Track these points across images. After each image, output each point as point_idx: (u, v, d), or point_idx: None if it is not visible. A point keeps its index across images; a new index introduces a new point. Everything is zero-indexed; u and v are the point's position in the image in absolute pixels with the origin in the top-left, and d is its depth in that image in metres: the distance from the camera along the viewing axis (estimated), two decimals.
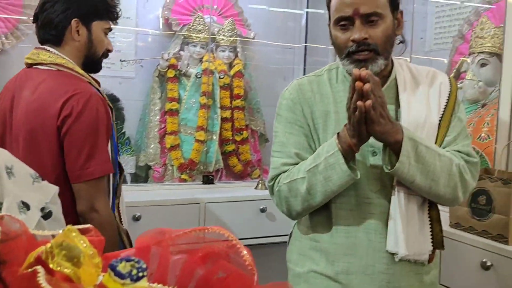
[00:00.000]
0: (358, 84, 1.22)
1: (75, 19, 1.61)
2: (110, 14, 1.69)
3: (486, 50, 2.48)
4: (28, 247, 0.66)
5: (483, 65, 2.49)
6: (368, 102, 1.21)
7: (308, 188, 1.37)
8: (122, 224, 1.69)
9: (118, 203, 1.68)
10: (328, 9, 1.46)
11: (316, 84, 1.51)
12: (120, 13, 1.73)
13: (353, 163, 1.35)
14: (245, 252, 0.70)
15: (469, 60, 2.58)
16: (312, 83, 1.51)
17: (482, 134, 2.36)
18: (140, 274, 0.54)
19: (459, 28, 2.83)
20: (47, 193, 1.09)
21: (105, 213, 1.55)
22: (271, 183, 1.50)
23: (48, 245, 0.61)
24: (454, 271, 1.94)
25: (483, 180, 1.90)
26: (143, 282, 0.55)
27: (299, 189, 1.39)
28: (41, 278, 0.55)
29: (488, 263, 1.80)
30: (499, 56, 2.39)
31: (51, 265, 0.57)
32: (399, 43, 1.55)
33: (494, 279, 1.80)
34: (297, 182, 1.39)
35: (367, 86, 1.21)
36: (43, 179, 1.09)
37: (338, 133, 1.34)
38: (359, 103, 1.22)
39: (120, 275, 0.53)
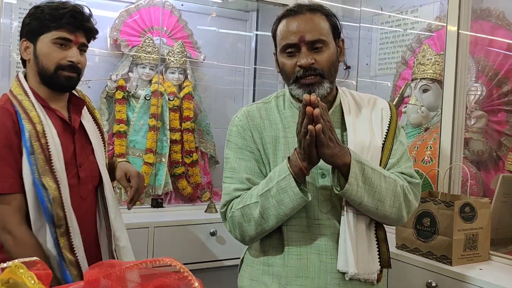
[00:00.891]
0: (309, 109, 1.26)
1: (22, 39, 1.67)
2: (53, 22, 1.62)
3: (428, 76, 2.59)
4: None
5: (425, 90, 2.60)
6: (318, 126, 1.26)
7: (262, 212, 1.39)
8: (76, 254, 1.58)
9: (66, 231, 1.57)
10: (274, 38, 1.55)
11: (265, 110, 1.56)
12: (71, 16, 1.63)
13: (304, 185, 1.38)
14: (196, 284, 0.70)
15: (412, 85, 2.68)
16: (260, 110, 1.56)
17: (425, 157, 2.44)
18: None
19: (402, 55, 2.94)
20: None
21: (19, 234, 1.51)
22: (224, 209, 1.50)
23: None
24: None
25: (428, 202, 1.96)
26: None
27: (253, 214, 1.40)
28: None
29: (433, 284, 1.84)
30: (440, 82, 2.49)
31: None
32: (345, 69, 1.61)
33: None
34: (250, 207, 1.41)
35: (317, 111, 1.25)
36: None
37: (288, 157, 1.37)
38: (310, 127, 1.26)
39: None
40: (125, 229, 1.77)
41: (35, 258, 0.70)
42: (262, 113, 1.55)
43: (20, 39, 1.68)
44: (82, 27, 1.67)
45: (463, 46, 2.19)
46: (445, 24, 2.25)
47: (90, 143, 1.75)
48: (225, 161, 1.55)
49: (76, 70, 1.68)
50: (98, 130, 1.82)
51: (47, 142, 1.57)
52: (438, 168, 2.19)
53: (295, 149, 1.36)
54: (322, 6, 1.50)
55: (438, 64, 2.55)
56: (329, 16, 1.49)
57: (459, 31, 2.18)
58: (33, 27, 1.64)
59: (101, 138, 1.82)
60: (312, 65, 1.42)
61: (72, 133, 1.69)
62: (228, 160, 1.53)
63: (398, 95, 2.79)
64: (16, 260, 0.62)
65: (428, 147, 2.46)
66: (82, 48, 1.72)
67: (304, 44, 1.43)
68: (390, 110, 1.55)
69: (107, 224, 1.74)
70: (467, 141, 2.40)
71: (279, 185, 1.36)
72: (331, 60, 1.45)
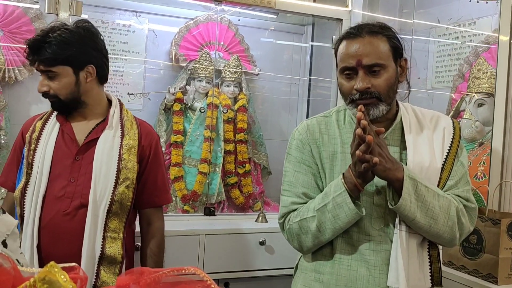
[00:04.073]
0: (358, 131, 1.34)
1: None
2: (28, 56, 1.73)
3: (483, 91, 2.53)
4: (15, 282, 0.73)
5: (480, 105, 2.55)
6: (361, 147, 1.34)
7: (318, 226, 1.46)
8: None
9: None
10: (336, 56, 1.56)
11: (324, 124, 1.60)
12: (29, 49, 1.69)
13: (358, 200, 1.44)
14: None
15: (467, 99, 2.63)
16: (320, 124, 1.60)
17: (478, 173, 2.39)
18: None
19: (459, 68, 2.89)
20: (8, 225, 1.07)
21: None
22: (281, 220, 1.58)
23: (32, 279, 0.67)
24: None
25: None
26: None
27: (310, 227, 1.47)
28: None
29: None
30: None
31: None
32: (407, 89, 1.62)
33: None
34: (307, 221, 1.48)
35: (359, 131, 1.33)
36: (4, 212, 1.10)
37: (343, 174, 1.43)
38: (361, 147, 1.34)
39: None
40: (95, 260, 1.71)
41: (74, 264, 0.79)
42: (322, 127, 1.60)
43: None
44: (38, 58, 1.69)
45: None
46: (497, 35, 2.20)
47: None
48: (283, 173, 1.61)
49: (49, 96, 1.73)
50: (118, 152, 1.76)
51: (35, 148, 1.73)
52: (488, 185, 2.14)
53: (350, 165, 1.42)
54: (383, 27, 1.50)
55: (494, 78, 2.49)
56: (390, 37, 1.48)
57: None
58: None
59: (118, 160, 1.75)
60: (368, 89, 1.45)
61: (77, 148, 1.76)
62: (287, 173, 1.60)
63: (454, 109, 2.75)
64: (52, 262, 0.71)
65: (481, 163, 2.41)
66: (49, 75, 1.72)
67: (361, 68, 1.45)
68: (453, 129, 1.54)
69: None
70: None
71: (335, 200, 1.42)
72: (389, 84, 1.46)
